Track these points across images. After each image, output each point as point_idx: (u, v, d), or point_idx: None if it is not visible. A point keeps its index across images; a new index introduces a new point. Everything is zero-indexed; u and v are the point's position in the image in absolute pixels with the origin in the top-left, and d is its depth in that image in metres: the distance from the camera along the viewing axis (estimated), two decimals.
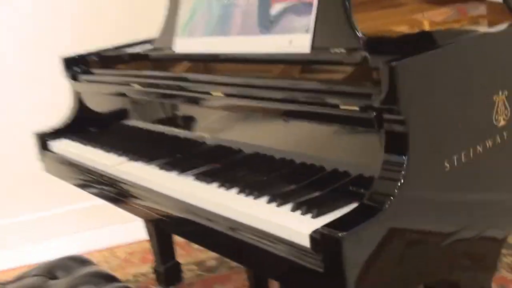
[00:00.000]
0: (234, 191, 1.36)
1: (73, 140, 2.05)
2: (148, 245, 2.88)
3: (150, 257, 2.56)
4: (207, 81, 1.59)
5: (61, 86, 2.20)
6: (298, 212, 1.18)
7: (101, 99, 2.09)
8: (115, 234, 3.01)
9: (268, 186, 1.33)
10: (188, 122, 1.72)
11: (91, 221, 3.05)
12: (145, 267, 2.71)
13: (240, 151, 1.55)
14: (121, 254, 2.91)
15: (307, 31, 1.44)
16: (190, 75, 1.72)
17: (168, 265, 2.39)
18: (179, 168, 1.56)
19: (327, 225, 1.06)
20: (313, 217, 1.15)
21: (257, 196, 1.30)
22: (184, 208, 1.42)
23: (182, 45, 1.85)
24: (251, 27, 1.61)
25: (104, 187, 1.77)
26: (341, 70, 1.39)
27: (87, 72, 2.12)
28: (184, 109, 1.74)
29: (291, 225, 1.15)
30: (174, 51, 1.86)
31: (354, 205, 1.14)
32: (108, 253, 2.93)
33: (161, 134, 1.84)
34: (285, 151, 1.42)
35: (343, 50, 1.35)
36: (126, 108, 2.00)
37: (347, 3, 1.38)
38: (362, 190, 1.19)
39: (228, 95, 1.50)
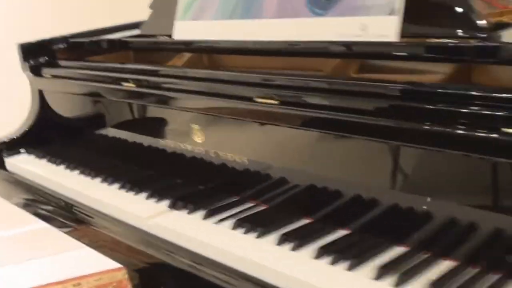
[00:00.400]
0: None
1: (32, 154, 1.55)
2: (120, 275, 2.43)
3: None
4: (241, 81, 1.11)
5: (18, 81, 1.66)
6: None
7: (70, 100, 1.59)
8: (78, 262, 2.48)
9: None
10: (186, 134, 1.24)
11: (46, 246, 2.51)
12: None
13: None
14: None
15: (391, 12, 0.99)
16: (209, 73, 1.24)
17: None
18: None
19: None
20: None
21: None
22: None
23: (185, 30, 1.40)
24: (296, 7, 1.15)
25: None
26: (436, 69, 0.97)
27: (53, 65, 1.62)
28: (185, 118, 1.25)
29: None
30: (172, 39, 1.39)
31: None
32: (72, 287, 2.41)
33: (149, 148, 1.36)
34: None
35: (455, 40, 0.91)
36: (102, 113, 1.51)
37: None
38: None
39: (282, 103, 1.03)
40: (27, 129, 1.62)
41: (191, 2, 1.40)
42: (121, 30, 1.66)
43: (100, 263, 2.41)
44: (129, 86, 1.34)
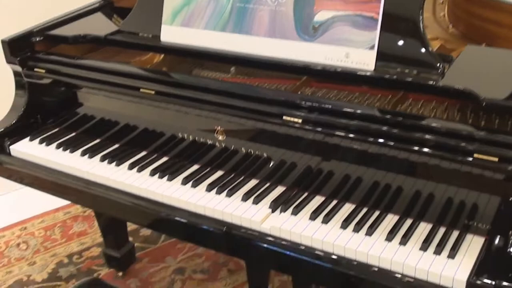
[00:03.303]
0: None
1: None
2: (62, 215, 2.68)
3: (73, 230, 2.43)
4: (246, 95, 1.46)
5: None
6: None
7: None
8: (19, 207, 2.72)
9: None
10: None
11: None
12: (74, 245, 2.51)
13: None
14: (36, 231, 2.63)
15: (371, 47, 1.39)
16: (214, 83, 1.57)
17: (124, 250, 2.24)
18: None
19: None
20: None
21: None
22: None
23: (174, 34, 1.65)
24: (285, 30, 1.50)
25: None
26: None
27: (34, 58, 1.80)
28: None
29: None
30: (159, 40, 1.68)
31: None
32: (20, 231, 2.63)
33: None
34: None
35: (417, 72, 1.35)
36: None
37: (420, 17, 1.36)
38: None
39: (305, 123, 1.39)
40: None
41: (179, 8, 1.66)
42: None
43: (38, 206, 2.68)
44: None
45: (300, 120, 1.37)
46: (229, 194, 1.45)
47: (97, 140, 1.74)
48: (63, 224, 2.65)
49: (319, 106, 1.36)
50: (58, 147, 1.73)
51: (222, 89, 1.49)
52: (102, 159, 1.65)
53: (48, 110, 1.84)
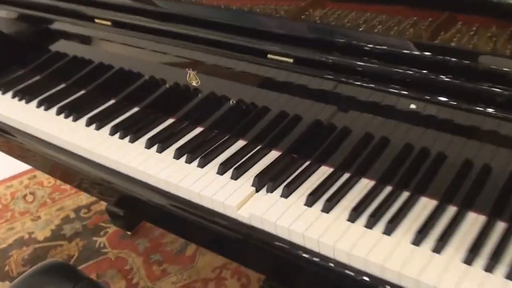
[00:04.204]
0: None
1: None
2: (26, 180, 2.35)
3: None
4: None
5: None
6: None
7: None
8: None
9: None
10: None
11: None
12: (83, 197, 2.21)
13: None
14: (46, 181, 2.36)
15: None
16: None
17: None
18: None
19: None
20: None
21: None
22: None
23: None
24: None
25: None
26: None
27: None
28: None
29: None
30: None
31: None
32: (28, 180, 2.36)
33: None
34: None
35: None
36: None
37: None
38: None
39: None
40: None
41: None
42: None
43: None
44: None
45: (290, 60, 0.93)
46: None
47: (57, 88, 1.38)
48: (27, 190, 2.32)
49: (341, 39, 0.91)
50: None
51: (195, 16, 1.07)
52: (59, 111, 1.28)
53: None
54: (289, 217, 0.91)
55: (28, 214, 2.15)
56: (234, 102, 1.10)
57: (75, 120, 1.25)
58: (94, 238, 1.98)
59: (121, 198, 1.16)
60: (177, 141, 1.14)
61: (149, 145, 1.13)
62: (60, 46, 1.39)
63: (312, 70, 0.94)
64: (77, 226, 2.06)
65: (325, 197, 0.94)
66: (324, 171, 1.01)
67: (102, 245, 1.95)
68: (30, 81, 1.44)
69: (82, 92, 1.37)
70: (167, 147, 1.12)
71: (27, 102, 1.36)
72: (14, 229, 2.09)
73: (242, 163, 1.04)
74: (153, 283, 1.78)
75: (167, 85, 1.20)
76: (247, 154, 1.06)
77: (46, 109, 1.32)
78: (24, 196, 2.25)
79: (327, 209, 0.92)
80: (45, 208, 2.17)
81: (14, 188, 2.30)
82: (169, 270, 1.81)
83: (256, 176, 1.00)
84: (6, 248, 2.00)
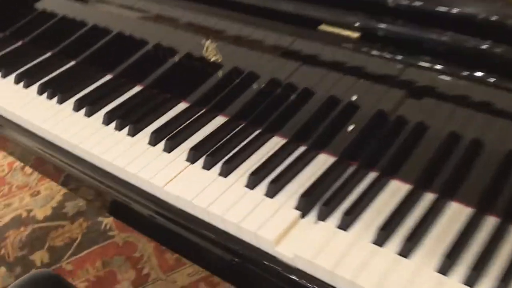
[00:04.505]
0: None
1: None
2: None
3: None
4: None
5: None
6: None
7: None
8: None
9: None
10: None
11: None
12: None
13: None
14: None
15: None
16: None
17: None
18: None
19: None
20: None
21: None
22: None
23: None
24: None
25: None
26: None
27: None
28: None
29: None
30: None
31: None
32: None
33: None
34: None
35: None
36: None
37: None
38: None
39: None
40: None
41: None
42: None
43: None
44: None
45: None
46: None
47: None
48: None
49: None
50: None
51: None
52: (41, 90, 1.02)
53: None
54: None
55: (27, 189, 1.93)
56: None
57: (60, 102, 0.99)
58: (100, 219, 1.75)
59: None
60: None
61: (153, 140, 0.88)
62: (47, 3, 1.13)
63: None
64: (81, 204, 1.83)
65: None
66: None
67: (108, 227, 1.72)
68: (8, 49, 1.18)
69: (72, 63, 1.10)
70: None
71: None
72: (11, 206, 1.87)
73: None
74: (166, 275, 1.55)
75: (176, 58, 0.93)
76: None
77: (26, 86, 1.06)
78: (23, 167, 2.02)
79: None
80: (45, 182, 1.94)
81: (12, 158, 2.07)
82: (184, 259, 1.58)
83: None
84: (2, 228, 1.79)
